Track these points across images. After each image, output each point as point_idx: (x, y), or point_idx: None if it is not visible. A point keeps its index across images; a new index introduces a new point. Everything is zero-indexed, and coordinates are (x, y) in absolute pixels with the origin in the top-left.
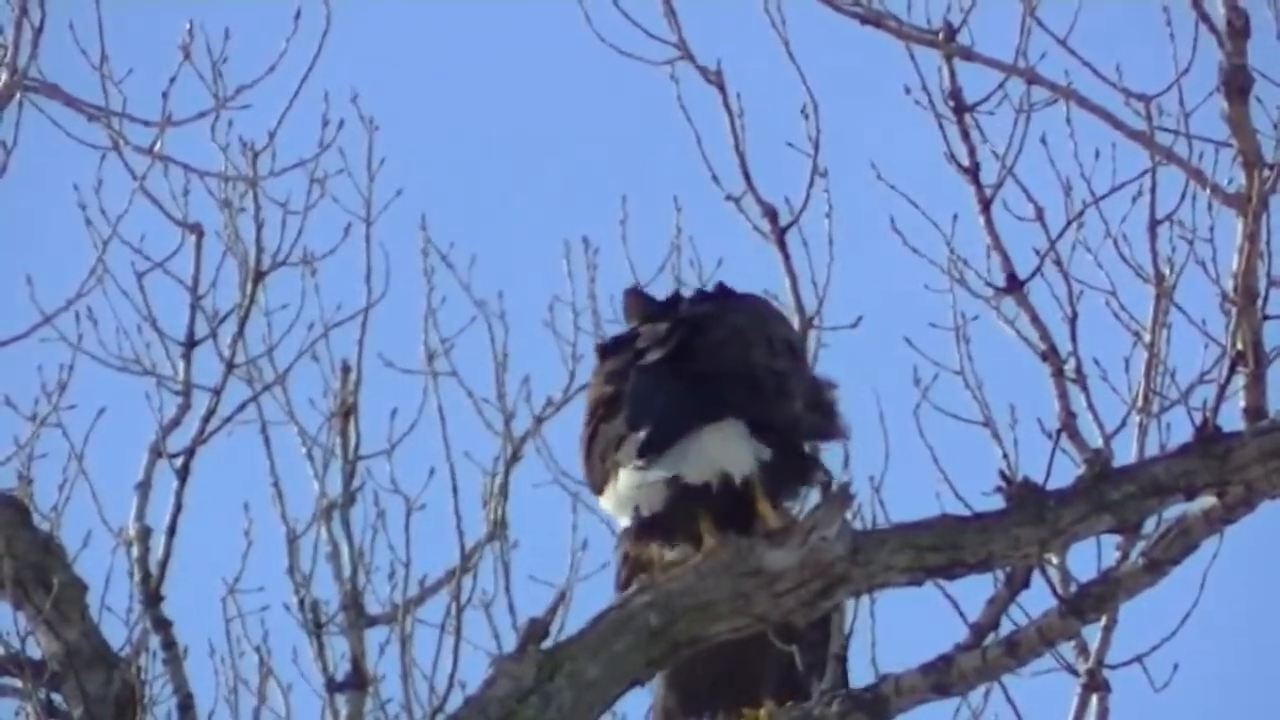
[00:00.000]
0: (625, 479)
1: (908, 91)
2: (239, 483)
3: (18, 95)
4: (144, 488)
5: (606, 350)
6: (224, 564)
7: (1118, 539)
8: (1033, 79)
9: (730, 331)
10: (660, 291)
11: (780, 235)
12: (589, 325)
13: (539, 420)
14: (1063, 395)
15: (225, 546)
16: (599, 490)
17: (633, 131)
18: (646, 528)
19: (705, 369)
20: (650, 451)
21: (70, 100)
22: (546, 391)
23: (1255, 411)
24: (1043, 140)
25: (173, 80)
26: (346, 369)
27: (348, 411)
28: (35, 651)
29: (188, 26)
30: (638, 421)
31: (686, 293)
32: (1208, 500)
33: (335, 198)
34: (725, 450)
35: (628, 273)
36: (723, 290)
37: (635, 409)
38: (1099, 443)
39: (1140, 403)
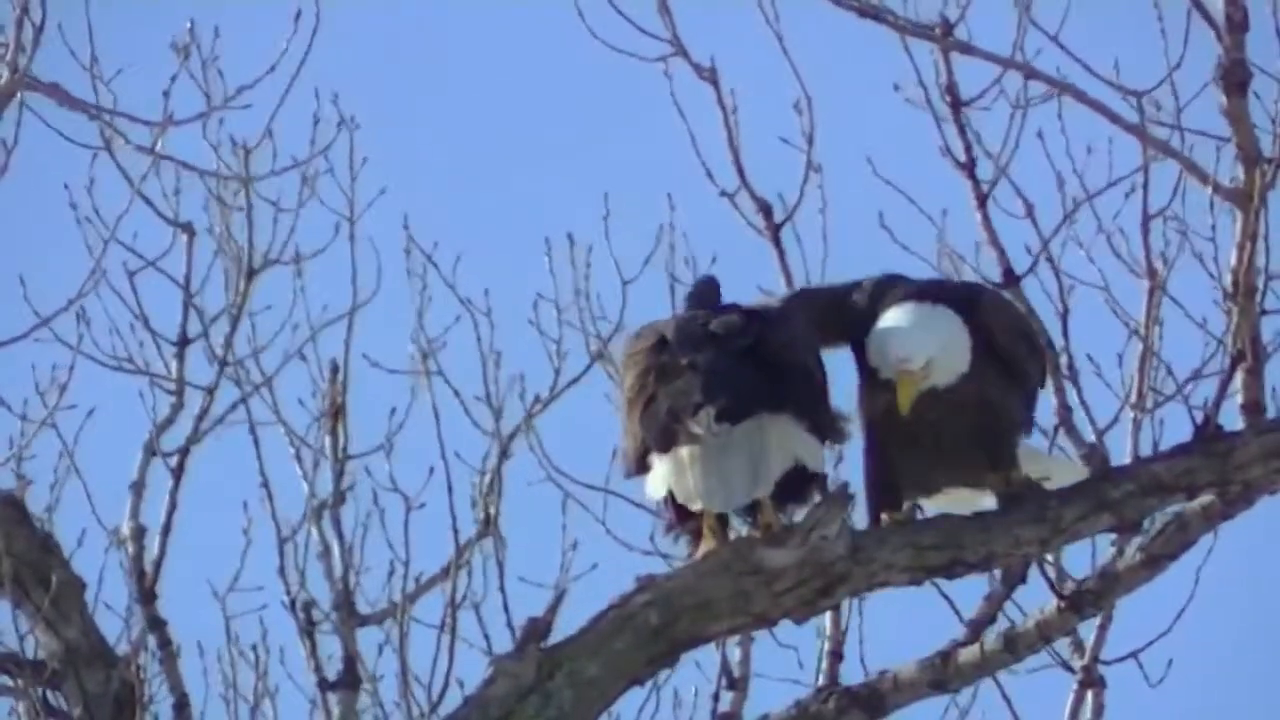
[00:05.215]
0: (701, 462)
1: (897, 89)
2: (235, 481)
3: (19, 94)
4: (138, 487)
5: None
6: (221, 563)
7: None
8: (1030, 73)
9: (791, 334)
10: (654, 290)
11: (775, 231)
12: (576, 322)
13: (530, 416)
14: (1059, 390)
15: (223, 545)
16: (664, 449)
17: (626, 128)
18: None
19: (775, 362)
20: (726, 419)
21: (70, 99)
22: (535, 388)
23: (1254, 406)
24: (1039, 135)
25: (174, 79)
26: (335, 369)
27: (336, 411)
28: (33, 650)
29: (189, 25)
30: (715, 396)
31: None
32: (1206, 496)
33: (321, 198)
34: (786, 444)
35: (625, 270)
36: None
37: (714, 383)
38: (1092, 439)
39: (1135, 399)
